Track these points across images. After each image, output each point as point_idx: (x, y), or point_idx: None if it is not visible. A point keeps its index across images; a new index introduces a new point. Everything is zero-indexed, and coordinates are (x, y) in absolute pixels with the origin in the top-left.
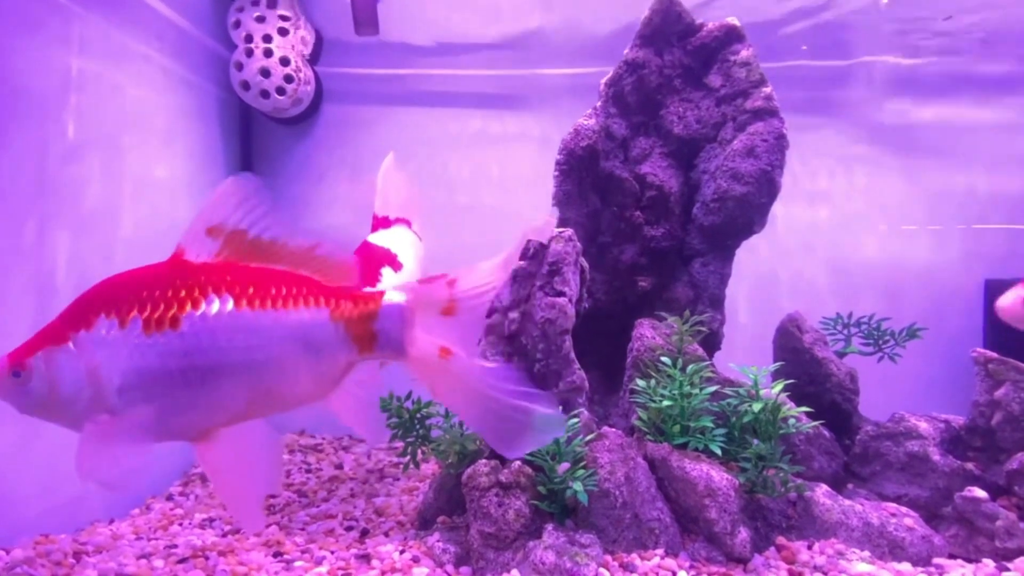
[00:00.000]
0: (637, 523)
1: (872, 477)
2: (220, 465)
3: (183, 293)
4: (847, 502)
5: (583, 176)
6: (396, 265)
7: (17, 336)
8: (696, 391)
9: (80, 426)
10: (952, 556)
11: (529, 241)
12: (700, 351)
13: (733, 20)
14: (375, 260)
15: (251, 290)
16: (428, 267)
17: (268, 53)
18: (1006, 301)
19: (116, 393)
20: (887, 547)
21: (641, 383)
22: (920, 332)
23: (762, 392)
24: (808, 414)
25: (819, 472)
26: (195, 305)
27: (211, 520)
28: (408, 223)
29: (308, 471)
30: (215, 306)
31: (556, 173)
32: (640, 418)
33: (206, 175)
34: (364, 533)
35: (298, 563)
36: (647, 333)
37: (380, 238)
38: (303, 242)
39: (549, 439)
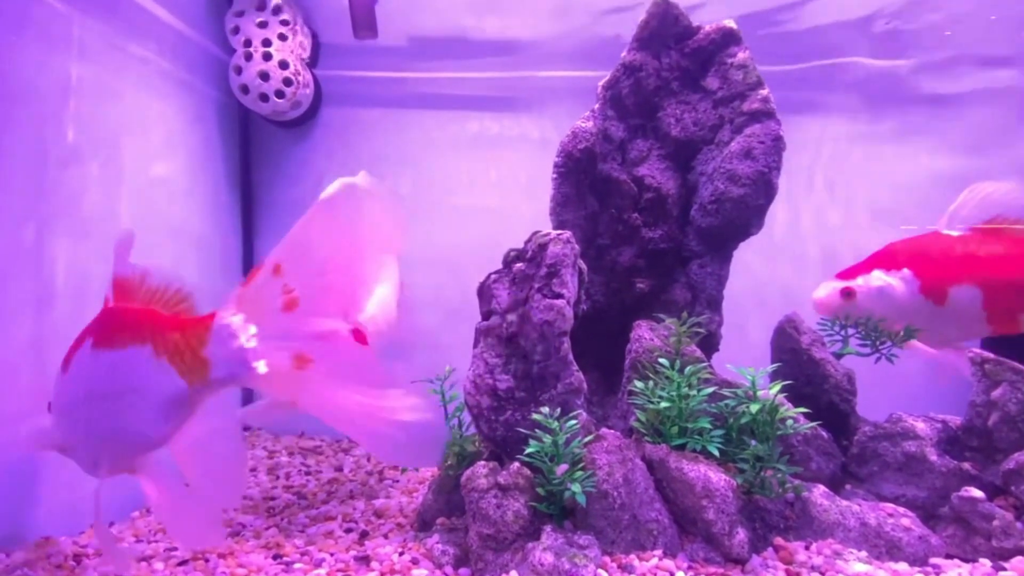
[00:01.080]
0: (635, 524)
1: (870, 477)
2: (157, 493)
3: (80, 337)
4: (844, 503)
5: (581, 178)
6: None
7: (17, 339)
8: (694, 392)
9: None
10: (949, 556)
11: (527, 243)
12: (698, 352)
13: (730, 23)
14: None
15: (101, 332)
16: (425, 270)
17: (267, 57)
18: (821, 294)
19: (52, 427)
20: (884, 547)
21: (639, 384)
22: (917, 333)
23: (760, 393)
24: (806, 415)
25: (817, 473)
26: (77, 346)
27: None
28: None
29: (307, 473)
30: (81, 349)
31: (554, 176)
32: (638, 419)
33: (205, 178)
34: (363, 535)
35: (297, 565)
36: (645, 335)
37: None
38: (135, 276)
39: (436, 457)
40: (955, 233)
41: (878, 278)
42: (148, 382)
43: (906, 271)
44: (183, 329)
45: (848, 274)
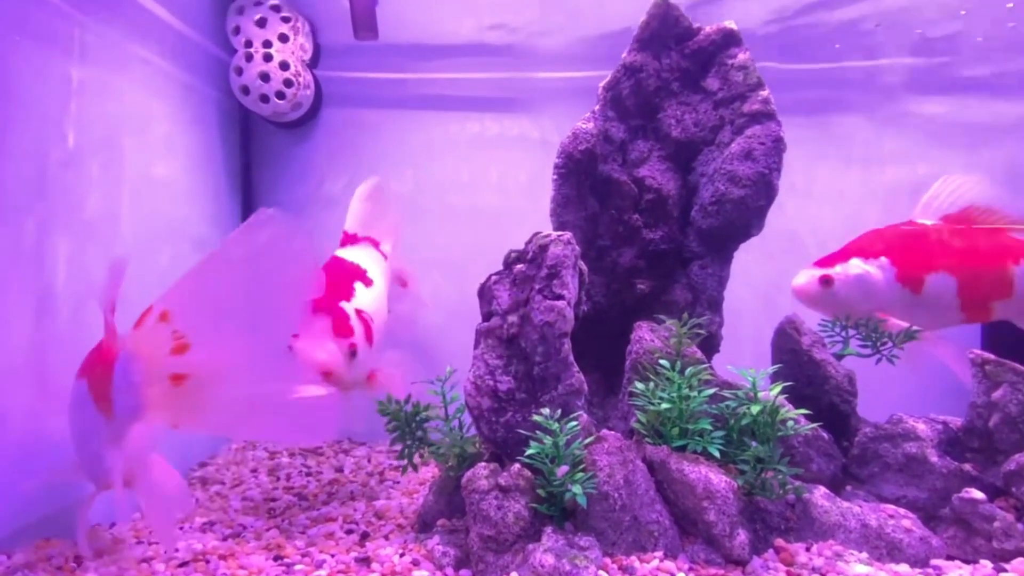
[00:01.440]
0: (636, 526)
1: (870, 479)
2: (141, 501)
3: None
4: (845, 504)
5: (581, 179)
6: (367, 281)
7: (18, 340)
8: (695, 394)
9: None
10: (950, 557)
11: (528, 244)
12: (699, 353)
13: (730, 24)
14: (346, 274)
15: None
16: (425, 271)
17: (268, 57)
18: (800, 281)
19: None
20: (885, 548)
21: (640, 386)
22: (918, 334)
23: (760, 394)
24: (806, 416)
25: (817, 474)
26: None
27: (211, 524)
28: (375, 243)
29: (308, 474)
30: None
31: (555, 176)
32: (639, 421)
33: (206, 179)
34: (364, 536)
35: (298, 567)
36: (646, 336)
37: (346, 254)
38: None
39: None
40: (930, 222)
41: (856, 266)
42: (83, 415)
43: (883, 259)
44: (101, 365)
45: (826, 262)
